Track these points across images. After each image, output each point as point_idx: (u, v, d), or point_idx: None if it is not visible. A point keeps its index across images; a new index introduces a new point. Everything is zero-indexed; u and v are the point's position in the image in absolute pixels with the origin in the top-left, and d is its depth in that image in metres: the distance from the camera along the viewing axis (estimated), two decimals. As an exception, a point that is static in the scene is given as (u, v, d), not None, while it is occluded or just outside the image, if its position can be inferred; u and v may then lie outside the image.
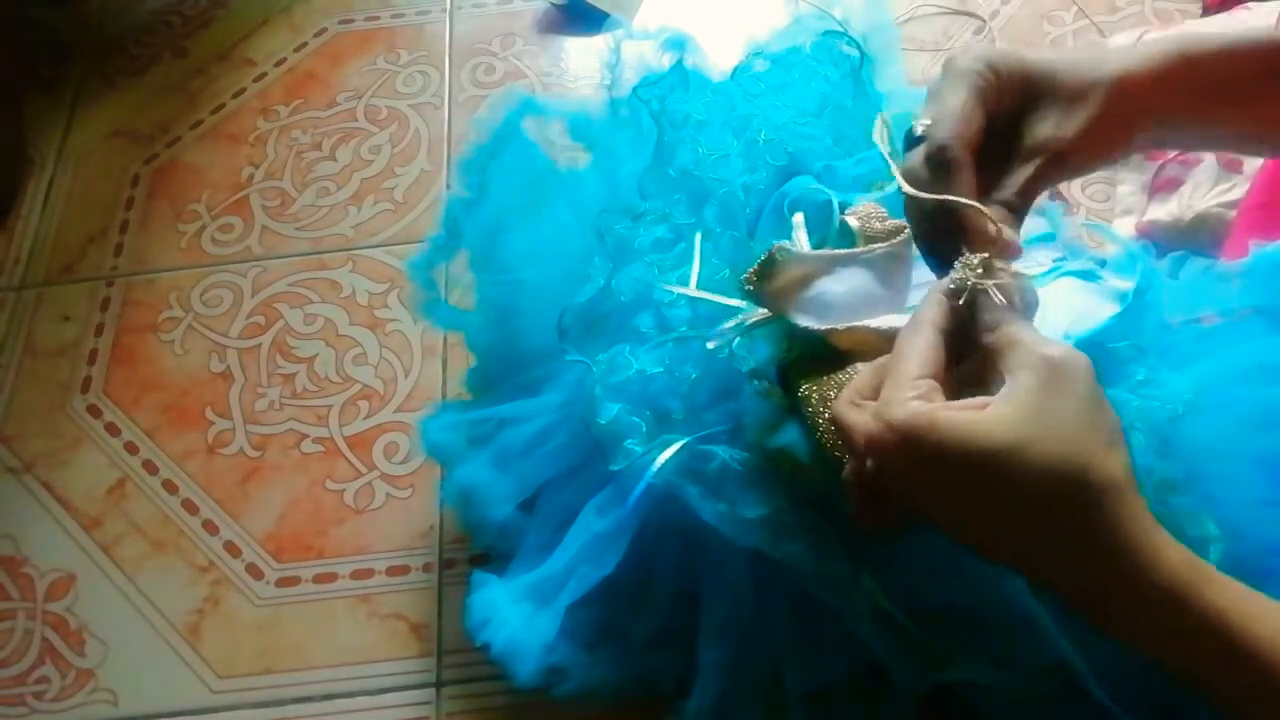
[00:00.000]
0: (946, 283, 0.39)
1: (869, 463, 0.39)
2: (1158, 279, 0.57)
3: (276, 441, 0.76)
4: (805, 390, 0.49)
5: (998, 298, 0.38)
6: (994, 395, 0.36)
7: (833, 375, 0.49)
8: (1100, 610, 0.35)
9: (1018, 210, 0.41)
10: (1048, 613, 0.47)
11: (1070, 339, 0.52)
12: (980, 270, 0.39)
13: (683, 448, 0.51)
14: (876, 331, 0.49)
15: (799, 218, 0.55)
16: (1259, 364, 0.51)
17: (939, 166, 0.39)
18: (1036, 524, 0.35)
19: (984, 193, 0.41)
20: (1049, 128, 0.40)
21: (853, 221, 0.54)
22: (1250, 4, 0.79)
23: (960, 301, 0.39)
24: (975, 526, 0.36)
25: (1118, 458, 0.34)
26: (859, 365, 0.49)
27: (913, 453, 0.35)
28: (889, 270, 0.52)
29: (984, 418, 0.35)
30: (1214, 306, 0.55)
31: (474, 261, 0.65)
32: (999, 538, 0.36)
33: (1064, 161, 0.41)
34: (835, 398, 0.48)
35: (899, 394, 0.37)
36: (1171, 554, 0.34)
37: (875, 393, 0.40)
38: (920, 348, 0.38)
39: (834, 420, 0.41)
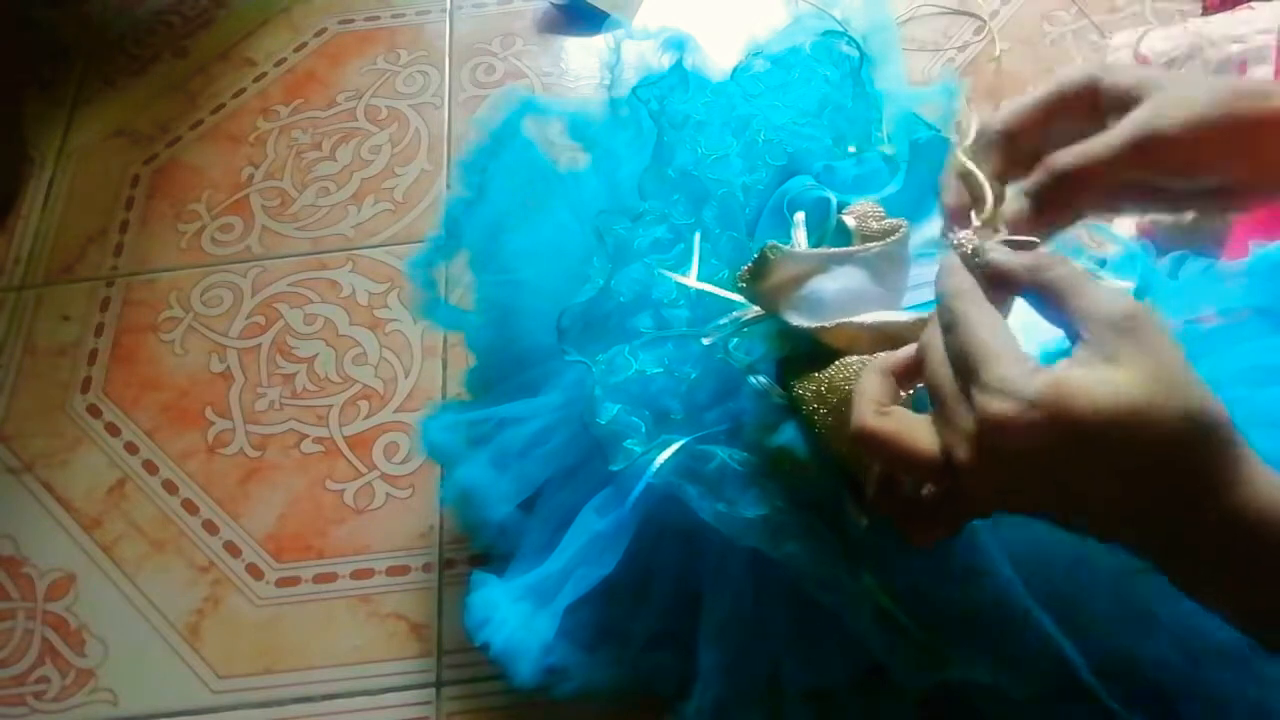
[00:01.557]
0: (957, 249, 0.40)
1: (966, 452, 0.36)
2: (1157, 279, 0.57)
3: (276, 441, 0.76)
4: (800, 390, 0.49)
5: (1005, 255, 0.39)
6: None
7: (821, 372, 0.49)
8: (1211, 562, 0.35)
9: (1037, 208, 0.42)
10: (1047, 612, 0.47)
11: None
12: (979, 234, 0.40)
13: (682, 448, 0.51)
14: (865, 327, 0.49)
15: (800, 216, 0.55)
16: (1259, 364, 0.51)
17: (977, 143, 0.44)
18: (1170, 477, 0.34)
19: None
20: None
21: (849, 220, 0.54)
22: (1254, 3, 0.79)
23: (978, 260, 0.39)
24: (1103, 495, 0.35)
25: (1219, 401, 0.34)
26: (847, 359, 0.49)
27: (1060, 424, 0.34)
28: (884, 269, 0.52)
29: (1112, 378, 0.34)
30: (1214, 306, 0.55)
31: (474, 261, 0.65)
32: (1125, 501, 0.35)
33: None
34: (825, 392, 0.48)
35: (1017, 369, 0.35)
36: (1274, 478, 0.34)
37: (890, 398, 0.40)
38: (996, 322, 0.37)
39: (864, 438, 0.39)
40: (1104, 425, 0.33)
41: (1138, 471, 0.34)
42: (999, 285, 0.39)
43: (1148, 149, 0.41)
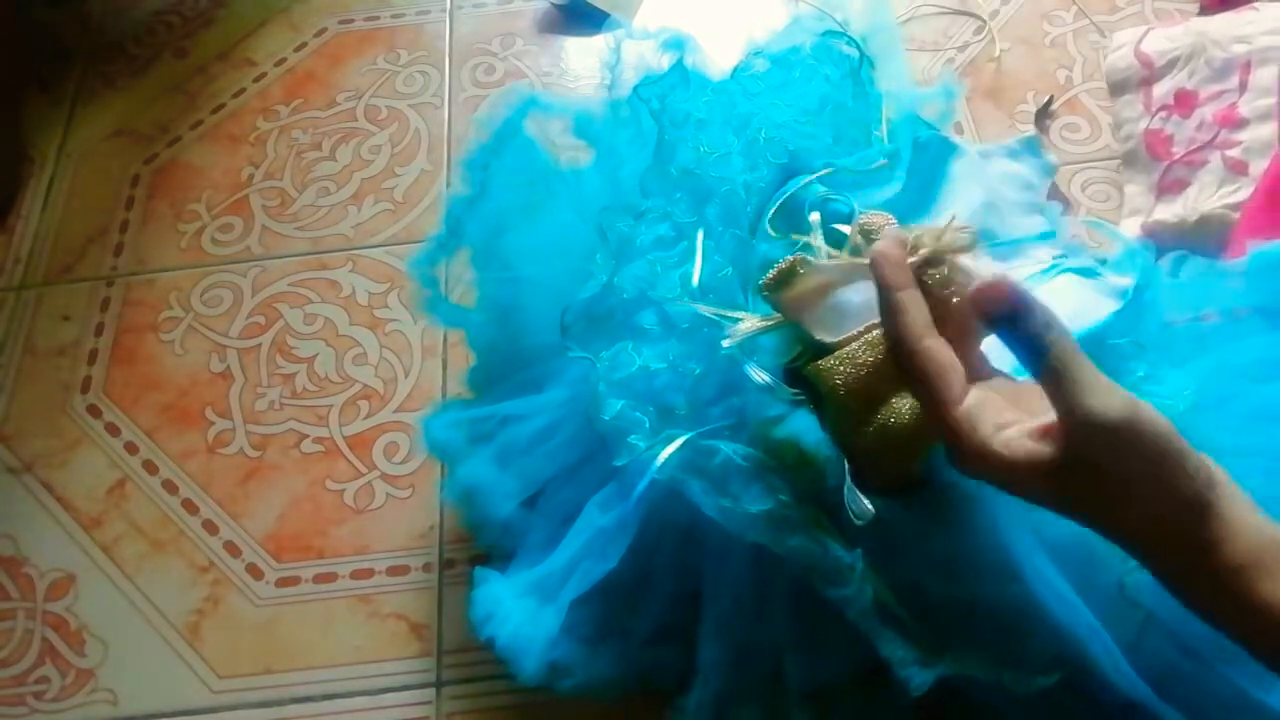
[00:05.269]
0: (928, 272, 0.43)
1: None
2: (1158, 277, 0.57)
3: (276, 441, 0.76)
4: (825, 364, 0.49)
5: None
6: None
7: (847, 347, 0.49)
8: (1208, 609, 0.37)
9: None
10: (1052, 605, 0.47)
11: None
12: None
13: (686, 443, 0.51)
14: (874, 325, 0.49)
15: (815, 217, 0.55)
16: (1259, 360, 0.51)
17: None
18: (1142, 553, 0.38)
19: None
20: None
21: (856, 237, 0.54)
22: (1257, 4, 0.79)
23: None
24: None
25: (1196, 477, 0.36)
26: (867, 336, 0.49)
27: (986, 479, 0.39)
28: None
29: (1043, 475, 0.37)
30: (1214, 305, 0.55)
31: (475, 259, 0.65)
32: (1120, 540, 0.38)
33: None
34: (857, 355, 0.49)
35: (954, 431, 0.39)
36: (1239, 544, 0.36)
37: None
38: (939, 363, 0.40)
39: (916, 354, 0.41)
40: (1026, 494, 0.38)
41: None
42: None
43: None
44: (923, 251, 0.44)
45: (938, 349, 0.40)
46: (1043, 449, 0.37)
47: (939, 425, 0.39)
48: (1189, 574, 0.36)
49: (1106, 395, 0.35)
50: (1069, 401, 0.36)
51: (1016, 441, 0.37)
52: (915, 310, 0.41)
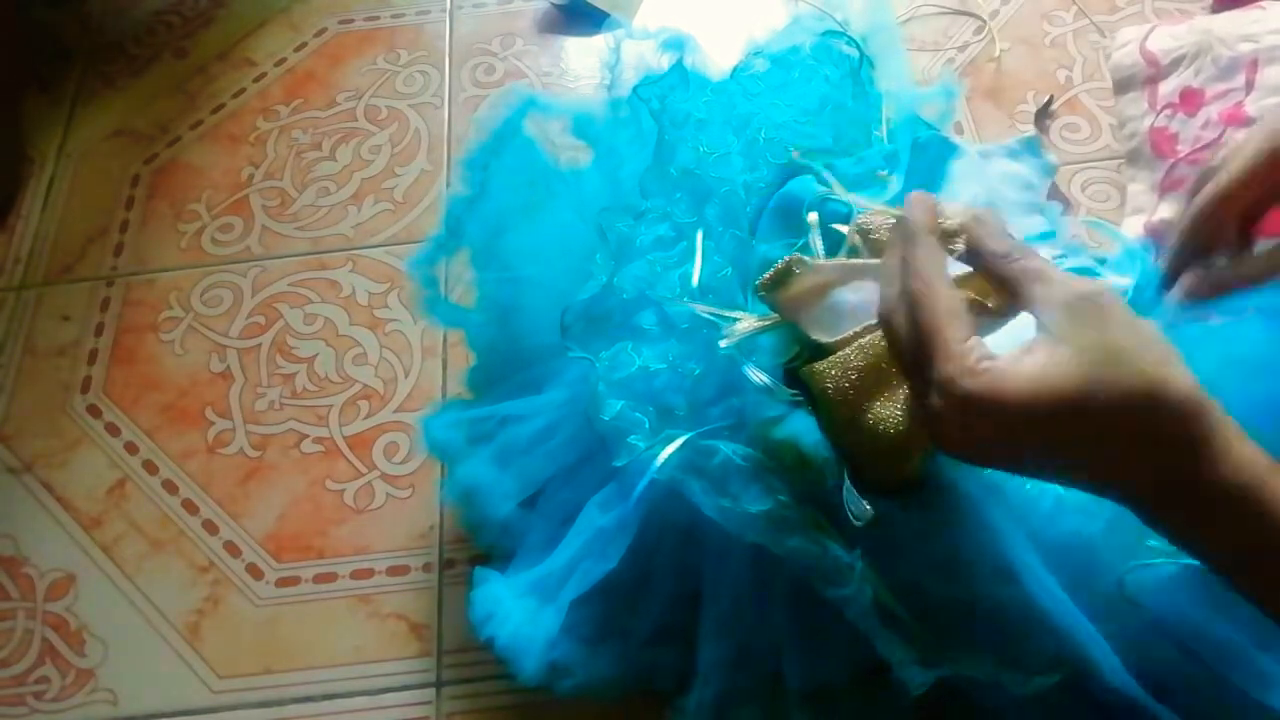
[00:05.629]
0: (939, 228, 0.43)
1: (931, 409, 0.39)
2: (1158, 277, 0.57)
3: (276, 441, 0.76)
4: (821, 367, 0.49)
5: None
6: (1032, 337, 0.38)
7: (845, 350, 0.49)
8: (1176, 513, 0.36)
9: None
10: (1049, 607, 0.47)
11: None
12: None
13: (685, 443, 0.51)
14: (874, 327, 0.49)
15: (813, 217, 0.55)
16: (1260, 360, 0.51)
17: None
18: (1134, 449, 0.35)
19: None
20: None
21: (855, 236, 0.54)
22: (1264, 3, 0.78)
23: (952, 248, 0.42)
24: (1055, 466, 0.38)
25: (1187, 372, 0.36)
26: (861, 341, 0.49)
27: (991, 420, 0.37)
28: None
29: (1055, 362, 0.35)
30: (1214, 305, 0.55)
31: (475, 259, 0.65)
32: (1093, 472, 0.37)
33: None
34: (852, 358, 0.48)
35: (960, 365, 0.37)
36: (1246, 450, 0.35)
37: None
38: (954, 305, 0.39)
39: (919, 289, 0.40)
40: (1040, 416, 0.35)
41: (1099, 446, 0.36)
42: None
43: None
44: (950, 223, 0.43)
45: (952, 290, 0.40)
46: (1047, 361, 0.36)
47: (941, 363, 0.37)
48: (1183, 483, 0.35)
49: (1079, 279, 0.37)
50: (1049, 286, 0.37)
51: (1024, 359, 0.37)
52: (935, 250, 0.41)
